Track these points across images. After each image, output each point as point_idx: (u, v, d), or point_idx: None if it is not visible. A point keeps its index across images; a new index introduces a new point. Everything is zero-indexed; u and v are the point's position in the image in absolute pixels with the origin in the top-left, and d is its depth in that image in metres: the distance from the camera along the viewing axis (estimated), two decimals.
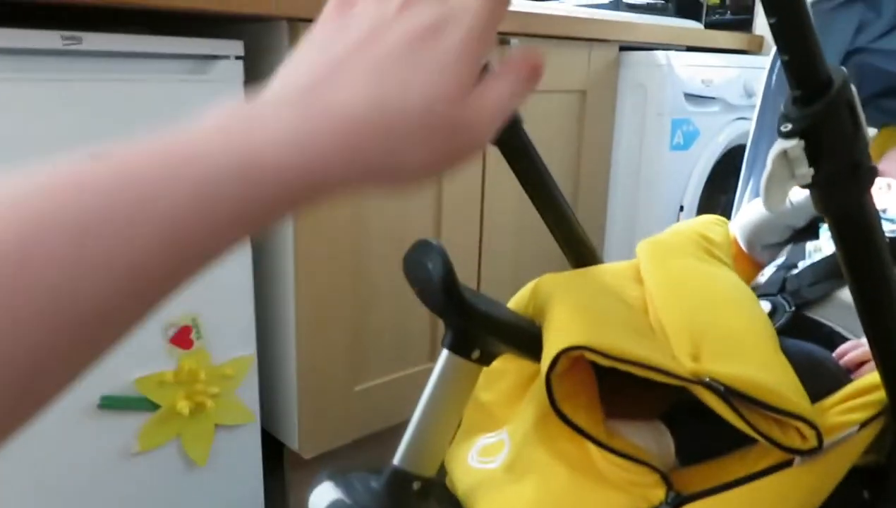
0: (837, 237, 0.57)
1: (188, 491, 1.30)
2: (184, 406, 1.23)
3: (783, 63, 0.49)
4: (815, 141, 0.50)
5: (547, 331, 0.69)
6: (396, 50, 0.30)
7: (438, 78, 0.30)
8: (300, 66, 0.32)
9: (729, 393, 0.63)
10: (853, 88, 0.50)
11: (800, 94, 0.50)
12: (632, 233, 1.88)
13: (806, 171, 0.51)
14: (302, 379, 1.42)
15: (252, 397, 1.36)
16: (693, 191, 1.89)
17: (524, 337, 0.75)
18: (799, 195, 1.02)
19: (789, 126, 0.49)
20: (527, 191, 0.95)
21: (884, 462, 0.75)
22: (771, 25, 0.47)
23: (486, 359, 0.77)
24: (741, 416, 0.64)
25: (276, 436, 1.50)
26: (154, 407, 1.21)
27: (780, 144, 0.50)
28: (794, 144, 0.50)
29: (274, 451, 1.50)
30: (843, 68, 0.50)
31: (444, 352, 0.77)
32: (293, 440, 1.45)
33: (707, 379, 0.64)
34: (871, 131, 0.53)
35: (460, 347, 0.76)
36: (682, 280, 0.84)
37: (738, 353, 0.69)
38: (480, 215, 1.65)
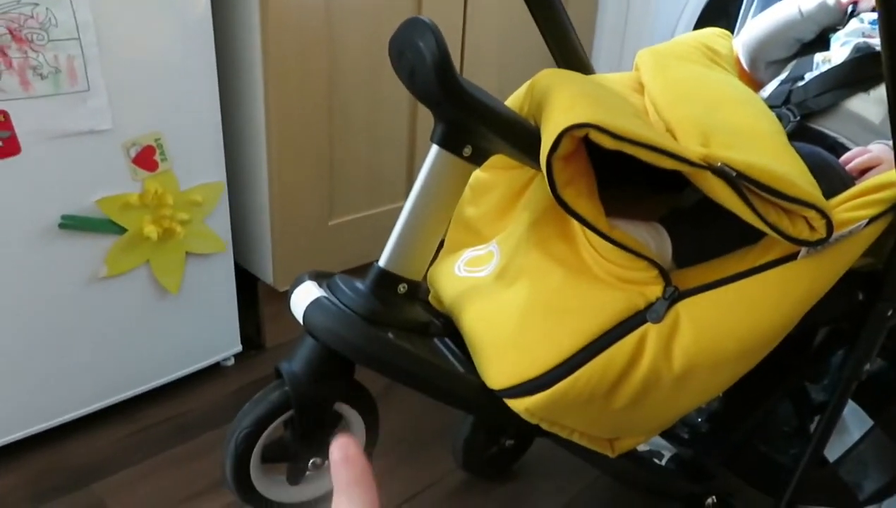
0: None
1: (162, 319, 1.27)
2: (152, 230, 1.17)
3: None
4: None
5: (548, 115, 0.64)
6: None
7: None
8: None
9: (740, 179, 0.60)
10: None
11: None
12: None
13: None
14: (275, 212, 1.37)
15: (223, 227, 1.31)
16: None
17: (521, 132, 0.70)
18: (809, 4, 0.95)
19: None
20: None
21: (880, 267, 0.74)
22: None
23: (477, 158, 0.72)
24: (750, 206, 0.61)
25: (249, 270, 1.46)
26: (120, 230, 1.15)
27: None
28: None
29: (247, 286, 1.47)
30: None
31: (434, 148, 0.71)
32: (267, 273, 1.42)
33: (719, 164, 0.60)
34: None
35: (451, 142, 0.70)
36: (687, 83, 0.79)
37: (749, 145, 0.65)
38: (463, 19, 1.54)
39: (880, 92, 0.84)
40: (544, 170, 0.62)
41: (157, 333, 1.28)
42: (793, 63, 0.96)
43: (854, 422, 1.11)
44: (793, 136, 0.84)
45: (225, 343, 1.41)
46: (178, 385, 1.36)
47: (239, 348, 1.44)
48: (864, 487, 0.99)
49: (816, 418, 0.97)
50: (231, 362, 1.45)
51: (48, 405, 1.19)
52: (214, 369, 1.43)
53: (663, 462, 0.94)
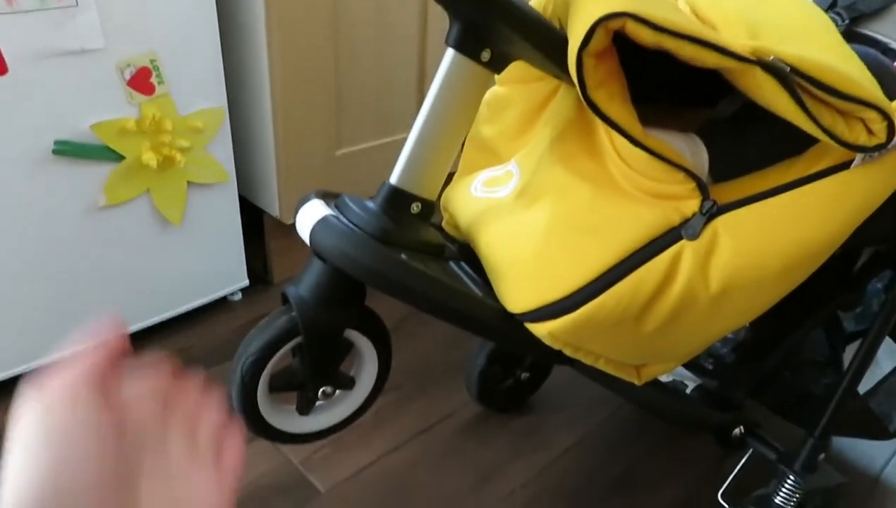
0: None
1: (165, 251, 1.23)
2: (151, 158, 1.12)
3: None
4: None
5: (579, 8, 0.57)
6: None
7: None
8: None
9: (794, 75, 0.53)
10: None
11: None
12: None
13: None
14: (279, 142, 1.31)
15: (226, 156, 1.25)
16: None
17: (546, 32, 0.63)
18: None
19: None
20: None
21: None
22: None
23: (497, 63, 0.66)
24: (803, 107, 0.55)
25: (254, 203, 1.41)
26: (117, 157, 1.10)
27: None
28: None
29: (253, 220, 1.42)
30: None
31: (449, 52, 0.65)
32: (273, 206, 1.37)
33: (771, 58, 0.54)
34: None
35: (468, 44, 0.64)
36: None
37: (803, 40, 0.58)
38: None
39: None
40: (573, 69, 0.55)
41: (161, 265, 1.24)
42: None
43: (884, 355, 1.07)
44: None
45: (231, 277, 1.38)
46: (184, 319, 1.33)
47: (246, 282, 1.40)
48: (894, 418, 0.95)
49: (848, 347, 0.93)
50: (238, 296, 1.41)
51: (49, 339, 1.15)
52: (221, 303, 1.39)
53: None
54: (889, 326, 0.77)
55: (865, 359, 0.78)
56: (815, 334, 0.95)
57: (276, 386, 0.71)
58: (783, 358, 0.91)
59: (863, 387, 0.95)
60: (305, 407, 0.74)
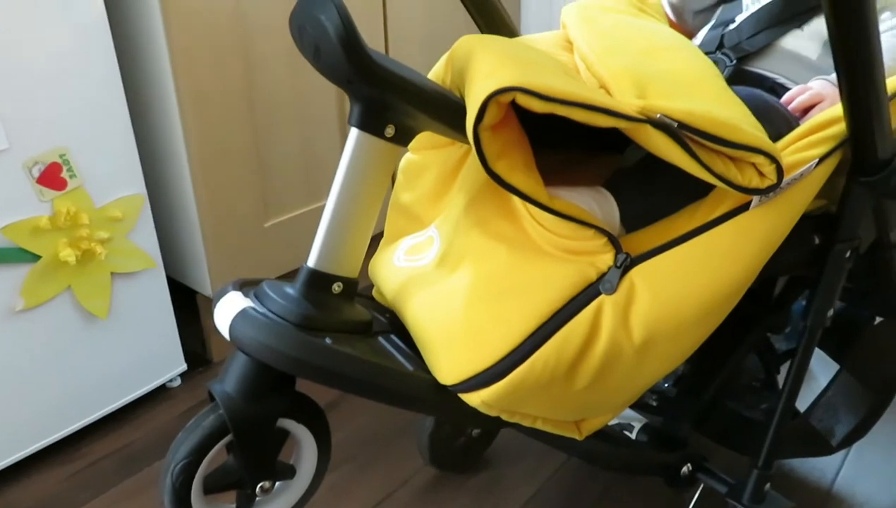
0: None
1: (94, 347, 1.19)
2: (69, 254, 1.08)
3: None
4: None
5: (471, 83, 0.58)
6: None
7: None
8: None
9: (682, 129, 0.55)
10: None
11: None
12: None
13: None
14: (204, 219, 1.29)
15: (150, 241, 1.22)
16: None
17: (445, 104, 0.65)
18: None
19: None
20: None
21: (833, 208, 0.71)
22: None
23: (402, 137, 0.66)
24: (695, 158, 0.57)
25: (185, 283, 1.38)
26: (33, 257, 1.06)
27: None
28: None
29: (186, 301, 1.39)
30: None
31: (353, 132, 0.65)
32: (204, 285, 1.34)
33: (658, 116, 0.55)
34: None
35: (371, 122, 0.64)
36: (616, 33, 0.74)
37: (688, 92, 0.61)
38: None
39: (814, 26, 0.81)
40: (472, 144, 0.56)
41: (92, 362, 1.19)
42: (721, 8, 0.92)
43: (819, 368, 1.10)
44: (730, 81, 0.80)
45: (168, 363, 1.33)
46: (122, 413, 1.28)
47: (184, 366, 1.36)
48: (835, 432, 0.97)
49: (784, 367, 0.94)
50: (177, 382, 1.37)
51: None
52: (160, 391, 1.35)
53: (634, 434, 0.91)
54: (812, 349, 0.79)
55: (795, 383, 0.80)
56: (749, 359, 0.97)
57: (211, 488, 0.69)
58: (722, 386, 0.93)
59: (802, 405, 0.98)
60: (246, 505, 0.71)
